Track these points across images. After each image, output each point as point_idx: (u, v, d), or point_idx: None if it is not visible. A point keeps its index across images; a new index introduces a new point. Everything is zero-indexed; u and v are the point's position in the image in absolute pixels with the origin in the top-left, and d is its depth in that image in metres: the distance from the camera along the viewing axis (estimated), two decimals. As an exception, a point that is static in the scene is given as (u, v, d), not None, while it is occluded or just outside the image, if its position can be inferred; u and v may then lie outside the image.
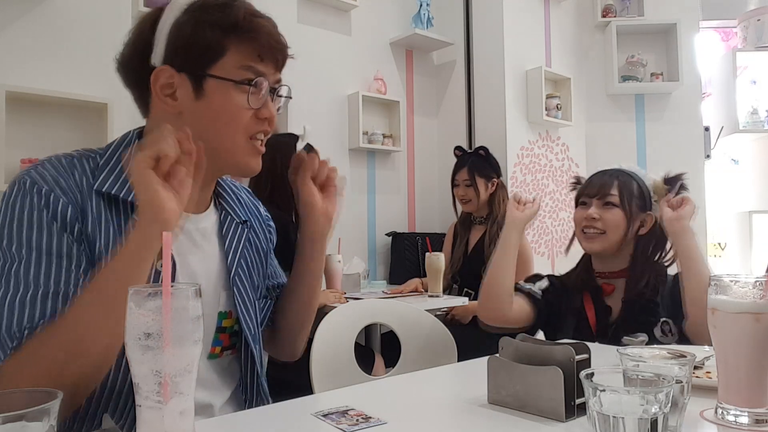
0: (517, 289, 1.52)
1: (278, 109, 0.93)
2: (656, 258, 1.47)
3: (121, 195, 0.83)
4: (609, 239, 1.45)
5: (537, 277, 1.59)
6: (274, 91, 0.91)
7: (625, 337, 1.29)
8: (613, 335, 1.39)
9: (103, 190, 0.82)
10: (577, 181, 1.63)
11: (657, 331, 1.37)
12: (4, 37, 2.22)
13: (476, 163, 2.75)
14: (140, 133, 0.92)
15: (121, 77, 0.91)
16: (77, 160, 0.84)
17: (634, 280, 1.43)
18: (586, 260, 1.54)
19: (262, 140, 0.91)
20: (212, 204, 0.99)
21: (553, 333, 1.52)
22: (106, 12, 2.42)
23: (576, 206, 1.56)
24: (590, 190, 1.51)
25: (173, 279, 0.88)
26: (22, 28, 2.26)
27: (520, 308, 1.49)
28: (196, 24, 0.84)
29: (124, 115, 2.29)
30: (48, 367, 0.71)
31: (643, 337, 1.31)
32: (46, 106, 2.26)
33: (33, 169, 0.81)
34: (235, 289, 0.96)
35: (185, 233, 0.92)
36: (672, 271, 1.47)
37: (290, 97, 0.96)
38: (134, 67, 0.88)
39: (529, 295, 1.52)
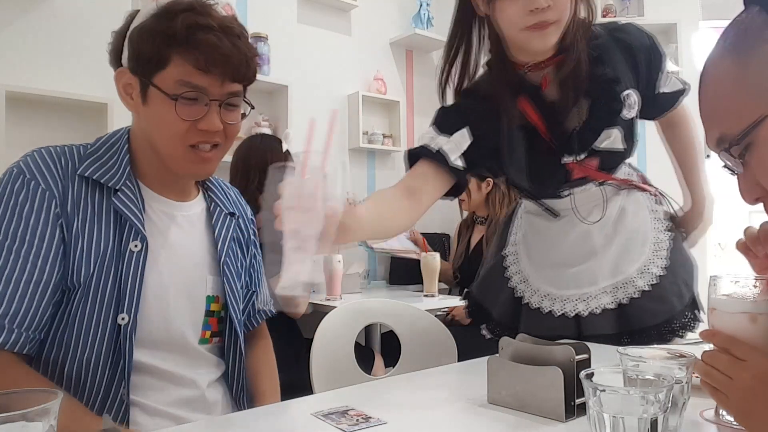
0: (428, 155, 1.10)
1: (242, 117, 0.95)
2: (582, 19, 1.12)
3: (102, 180, 0.90)
4: (561, 26, 1.05)
5: (449, 125, 1.10)
6: (225, 102, 0.91)
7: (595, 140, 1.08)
8: (580, 141, 1.13)
9: (86, 174, 0.89)
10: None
11: (626, 111, 1.13)
12: (4, 37, 2.22)
13: None
14: (130, 131, 0.98)
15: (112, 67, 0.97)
16: (68, 149, 0.93)
17: (568, 58, 1.09)
18: (497, 56, 1.14)
19: (207, 150, 0.92)
20: (200, 194, 1.05)
21: (501, 166, 1.20)
22: (105, 12, 2.42)
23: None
24: None
25: (150, 253, 0.91)
26: (22, 28, 2.26)
27: (433, 188, 1.10)
28: (145, 32, 0.87)
29: (124, 115, 2.29)
30: None
31: (615, 132, 1.12)
32: (46, 106, 2.26)
33: (22, 158, 0.88)
34: (223, 276, 1.01)
35: (170, 217, 0.97)
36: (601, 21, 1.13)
37: (250, 108, 0.97)
38: (115, 62, 0.94)
39: (451, 170, 1.11)
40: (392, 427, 0.74)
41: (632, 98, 1.15)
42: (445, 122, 1.13)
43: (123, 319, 0.87)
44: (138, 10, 0.91)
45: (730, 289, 0.70)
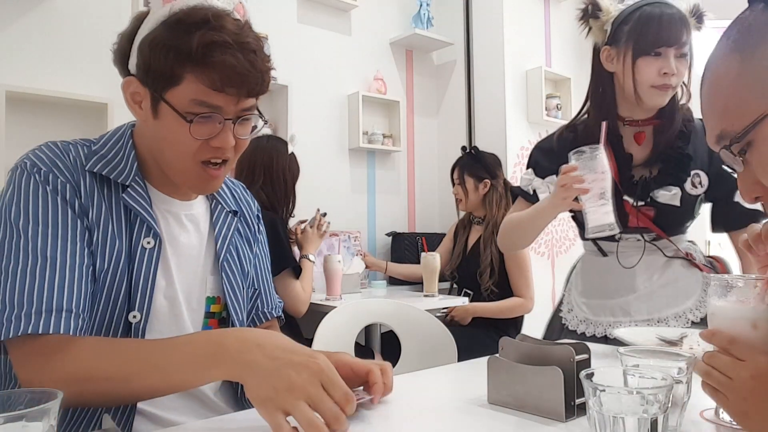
0: (525, 195, 1.46)
1: (253, 129, 0.92)
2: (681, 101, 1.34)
3: (112, 176, 0.89)
4: (673, 93, 1.29)
5: (543, 169, 1.43)
6: (239, 118, 0.88)
7: (656, 190, 1.27)
8: (642, 189, 1.31)
9: (95, 170, 0.88)
10: None
11: (687, 185, 1.30)
12: (4, 37, 2.22)
13: (466, 163, 2.76)
14: (133, 125, 0.97)
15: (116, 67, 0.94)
16: (72, 145, 0.92)
17: (667, 125, 1.32)
18: (606, 101, 1.35)
19: (218, 164, 0.90)
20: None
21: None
22: (106, 12, 2.42)
23: (635, 56, 1.26)
24: (668, 37, 1.24)
25: (161, 256, 0.91)
26: (22, 28, 2.26)
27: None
28: (157, 45, 0.83)
29: (124, 115, 2.29)
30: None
31: (676, 190, 1.27)
32: (46, 106, 2.26)
33: (31, 153, 0.87)
34: (223, 274, 1.00)
35: (175, 217, 0.96)
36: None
37: (263, 123, 0.94)
38: (120, 65, 0.91)
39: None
40: (392, 427, 0.74)
41: (699, 178, 1.31)
42: (540, 167, 1.44)
43: (135, 317, 0.86)
44: (146, 12, 0.87)
45: (731, 291, 0.70)
